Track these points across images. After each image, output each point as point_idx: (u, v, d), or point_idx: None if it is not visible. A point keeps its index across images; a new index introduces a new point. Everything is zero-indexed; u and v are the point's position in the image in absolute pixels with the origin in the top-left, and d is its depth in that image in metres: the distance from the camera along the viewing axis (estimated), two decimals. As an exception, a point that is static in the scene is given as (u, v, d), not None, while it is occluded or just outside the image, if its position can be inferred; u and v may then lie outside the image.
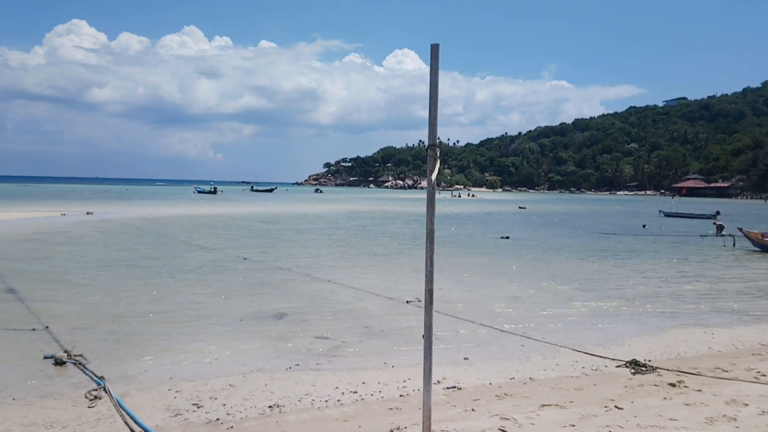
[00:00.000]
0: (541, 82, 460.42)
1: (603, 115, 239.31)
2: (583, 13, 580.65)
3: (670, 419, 5.24)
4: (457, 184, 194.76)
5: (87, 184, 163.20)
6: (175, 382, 6.56)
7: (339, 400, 5.99)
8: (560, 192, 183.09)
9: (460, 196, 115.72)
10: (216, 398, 6.04)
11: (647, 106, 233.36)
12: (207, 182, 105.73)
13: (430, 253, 3.45)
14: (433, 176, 3.27)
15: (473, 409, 5.64)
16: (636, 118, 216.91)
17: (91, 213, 36.90)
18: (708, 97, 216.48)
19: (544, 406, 5.75)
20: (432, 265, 3.48)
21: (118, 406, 5.67)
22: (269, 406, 5.80)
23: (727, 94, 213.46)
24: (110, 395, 5.92)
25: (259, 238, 24.36)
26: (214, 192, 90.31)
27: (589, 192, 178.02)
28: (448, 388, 6.46)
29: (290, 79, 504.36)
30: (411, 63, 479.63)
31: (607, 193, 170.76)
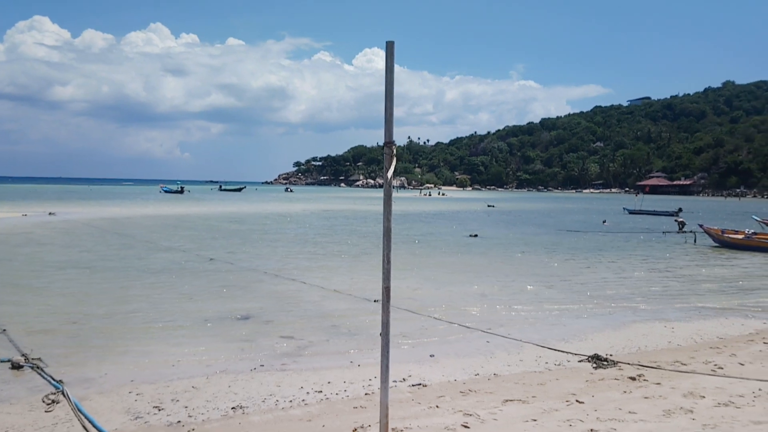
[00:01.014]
0: (509, 82, 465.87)
1: (569, 114, 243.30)
2: (550, 14, 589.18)
3: (629, 412, 5.34)
4: (427, 182, 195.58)
5: (50, 184, 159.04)
6: (136, 384, 6.44)
7: (303, 400, 5.96)
8: (528, 190, 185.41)
9: (430, 195, 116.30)
10: (178, 400, 5.94)
11: (612, 105, 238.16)
12: (174, 182, 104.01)
13: (386, 250, 3.44)
14: (389, 173, 3.25)
15: (437, 406, 5.67)
16: (601, 118, 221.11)
17: (53, 214, 35.96)
18: (671, 96, 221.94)
19: (507, 401, 5.81)
20: (389, 262, 3.48)
21: (77, 410, 5.53)
22: (232, 408, 5.73)
23: (689, 94, 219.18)
24: (68, 399, 5.78)
25: (227, 238, 24.08)
26: (181, 192, 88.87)
27: (556, 190, 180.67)
28: (413, 385, 6.48)
29: (259, 77, 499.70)
30: (381, 62, 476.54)
31: (574, 191, 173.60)
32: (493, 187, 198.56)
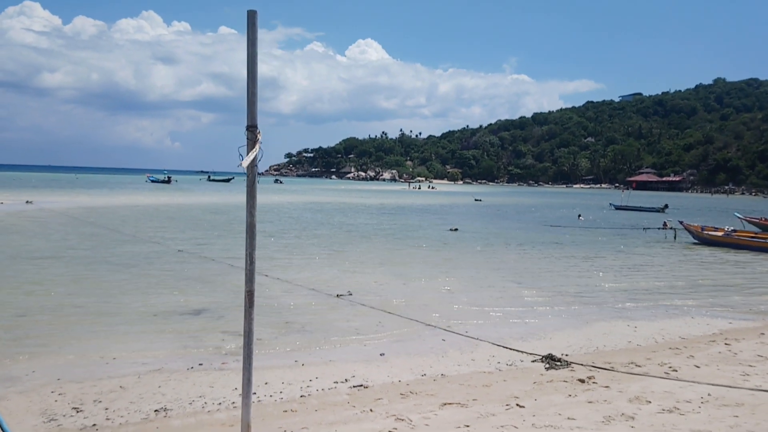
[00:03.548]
0: (502, 76, 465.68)
1: (561, 109, 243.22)
2: (544, 8, 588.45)
3: (568, 418, 5.10)
4: (419, 176, 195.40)
5: (38, 172, 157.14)
6: (61, 383, 6.13)
7: (233, 403, 5.66)
8: (519, 185, 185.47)
9: (419, 188, 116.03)
10: (100, 401, 5.64)
11: (604, 101, 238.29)
12: (161, 171, 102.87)
13: (250, 249, 3.16)
14: (249, 159, 2.95)
15: (371, 410, 5.40)
16: (593, 113, 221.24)
17: (30, 202, 35.37)
18: (662, 93, 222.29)
19: (445, 404, 5.55)
20: (252, 263, 3.19)
21: (-14, 411, 5.22)
22: (155, 410, 5.44)
23: (680, 91, 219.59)
24: (-19, 400, 5.47)
25: (203, 229, 23.71)
26: (168, 181, 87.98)
27: (547, 185, 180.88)
28: (354, 386, 6.21)
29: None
30: (374, 53, 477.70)
31: (564, 186, 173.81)
32: (484, 181, 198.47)
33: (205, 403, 5.65)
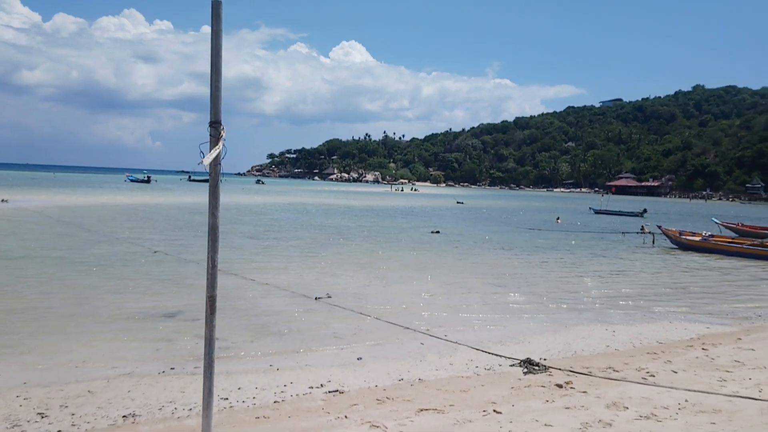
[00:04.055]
0: (484, 80, 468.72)
1: (542, 114, 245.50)
2: (527, 13, 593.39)
3: (545, 425, 5.03)
4: (402, 178, 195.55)
5: (15, 170, 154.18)
6: (27, 388, 5.92)
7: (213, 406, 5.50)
8: (501, 188, 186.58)
9: (402, 190, 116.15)
10: (67, 407, 5.45)
11: (584, 106, 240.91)
12: (141, 171, 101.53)
13: (212, 252, 3.04)
14: (211, 156, 2.83)
15: (346, 416, 5.28)
16: (574, 118, 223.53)
17: (5, 201, 34.65)
18: (642, 99, 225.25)
19: (422, 410, 5.45)
20: (215, 267, 3.07)
21: (-55, 418, 5.02)
22: (123, 416, 5.27)
23: (660, 97, 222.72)
24: (-60, 406, 5.26)
25: (180, 229, 23.38)
26: (148, 181, 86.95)
27: (528, 188, 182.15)
28: (329, 392, 6.09)
29: (233, 66, 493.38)
30: (358, 55, 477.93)
31: (545, 190, 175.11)
32: (466, 184, 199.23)
33: (176, 408, 5.49)
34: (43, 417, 5.20)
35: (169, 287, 11.45)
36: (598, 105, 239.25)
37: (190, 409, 5.48)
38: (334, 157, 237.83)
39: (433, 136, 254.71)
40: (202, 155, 2.84)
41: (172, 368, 6.74)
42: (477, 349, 7.93)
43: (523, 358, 7.38)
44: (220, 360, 7.13)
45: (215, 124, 2.83)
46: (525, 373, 6.83)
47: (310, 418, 5.27)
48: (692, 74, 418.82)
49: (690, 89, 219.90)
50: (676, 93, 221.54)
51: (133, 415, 5.29)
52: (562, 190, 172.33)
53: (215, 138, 2.85)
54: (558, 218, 39.05)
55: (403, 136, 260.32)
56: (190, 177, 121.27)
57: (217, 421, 5.19)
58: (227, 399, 5.78)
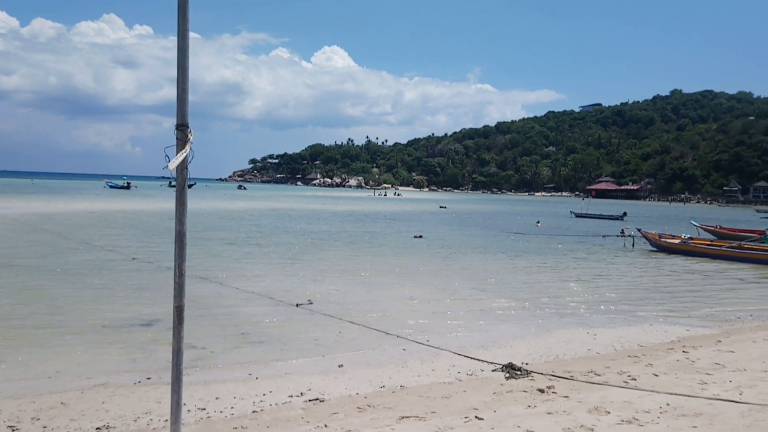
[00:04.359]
0: (466, 85, 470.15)
1: (524, 118, 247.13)
2: (507, 18, 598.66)
3: (528, 430, 4.98)
4: (385, 183, 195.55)
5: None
6: (-2, 400, 5.75)
7: (181, 420, 5.38)
8: (483, 192, 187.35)
9: (385, 195, 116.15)
10: (38, 419, 5.30)
11: (565, 111, 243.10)
12: (121, 177, 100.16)
13: (179, 260, 2.94)
14: (177, 160, 2.74)
15: (326, 425, 5.19)
16: (554, 123, 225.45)
17: (-20, 208, 34.00)
18: (621, 103, 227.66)
19: (403, 418, 5.38)
20: (182, 275, 2.97)
21: None
22: (97, 428, 5.13)
23: (638, 101, 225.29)
24: None
25: (159, 236, 23.07)
26: (128, 187, 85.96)
27: (510, 193, 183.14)
28: (309, 400, 5.99)
29: (214, 71, 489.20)
30: (340, 60, 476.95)
31: (527, 194, 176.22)
32: (449, 188, 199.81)
33: (151, 419, 5.36)
34: (14, 430, 5.04)
35: (147, 295, 11.24)
36: (578, 110, 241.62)
37: (166, 420, 5.33)
38: (317, 162, 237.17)
39: (416, 140, 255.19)
40: (167, 159, 2.74)
41: (148, 378, 6.59)
42: (459, 354, 7.88)
43: (505, 362, 7.35)
44: (198, 369, 7.03)
45: (182, 127, 2.74)
46: (507, 378, 6.79)
47: (289, 427, 5.17)
48: (670, 79, 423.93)
49: (668, 93, 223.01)
50: (654, 97, 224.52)
51: (107, 427, 5.16)
52: (543, 194, 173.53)
53: (182, 141, 2.75)
54: (538, 222, 39.32)
55: (386, 140, 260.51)
56: (170, 183, 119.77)
57: (193, 431, 5.09)
58: (204, 409, 5.66)
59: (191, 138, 2.74)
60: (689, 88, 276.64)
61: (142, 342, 8.10)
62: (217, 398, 5.97)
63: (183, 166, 2.81)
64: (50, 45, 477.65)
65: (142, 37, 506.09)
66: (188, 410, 5.61)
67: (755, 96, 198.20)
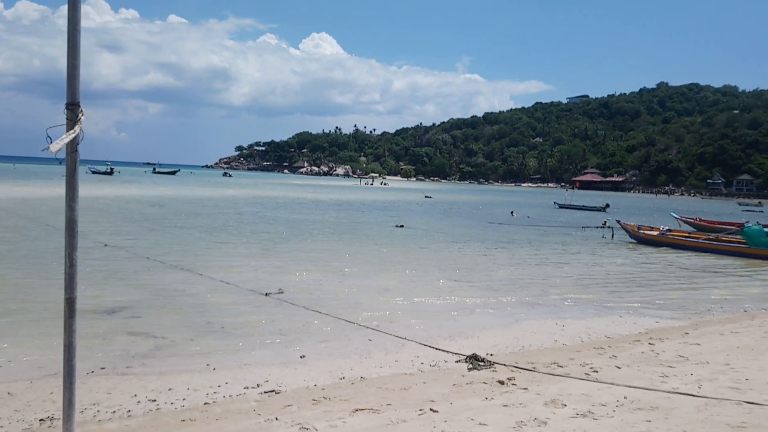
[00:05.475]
0: (455, 74, 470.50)
1: (511, 109, 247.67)
2: (497, 8, 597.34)
3: (480, 424, 4.90)
4: (372, 172, 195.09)
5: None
6: (-60, 391, 5.58)
7: (129, 411, 5.25)
8: (470, 182, 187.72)
9: (372, 184, 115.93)
10: (-19, 411, 5.14)
11: (552, 102, 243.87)
12: (105, 162, 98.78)
13: (69, 249, 2.80)
14: (63, 141, 2.57)
15: (277, 418, 5.08)
16: (541, 114, 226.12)
17: (-44, 193, 33.39)
18: (608, 95, 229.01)
19: (357, 410, 5.28)
20: (73, 266, 2.83)
21: None
22: (41, 420, 4.98)
23: (625, 94, 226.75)
24: None
25: (136, 222, 22.79)
26: (111, 173, 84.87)
27: (497, 183, 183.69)
28: (265, 392, 5.88)
29: (200, 57, 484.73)
30: (329, 47, 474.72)
31: (513, 184, 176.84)
32: (436, 178, 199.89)
33: (98, 411, 5.22)
34: (-49, 422, 4.88)
35: (114, 282, 11.06)
36: (565, 101, 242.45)
37: (114, 412, 5.22)
38: (304, 150, 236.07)
39: (404, 130, 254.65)
40: (49, 141, 2.57)
41: (102, 368, 6.44)
42: (425, 345, 7.80)
43: (469, 353, 7.28)
44: (154, 359, 6.89)
45: (72, 106, 2.57)
46: (469, 369, 6.72)
47: (239, 420, 5.05)
48: (657, 71, 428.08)
49: (654, 86, 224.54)
50: (640, 90, 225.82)
51: (51, 419, 5.01)
52: (530, 184, 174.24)
53: (72, 121, 2.58)
54: (512, 212, 39.63)
55: (374, 129, 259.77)
56: (155, 169, 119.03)
57: (140, 424, 4.97)
58: (155, 401, 5.53)
59: (82, 118, 2.58)
60: (676, 81, 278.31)
61: (101, 330, 7.93)
62: (170, 389, 5.84)
63: (73, 149, 2.64)
64: (34, 28, 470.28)
65: (127, 21, 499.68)
66: (138, 402, 5.49)
67: (740, 90, 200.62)
